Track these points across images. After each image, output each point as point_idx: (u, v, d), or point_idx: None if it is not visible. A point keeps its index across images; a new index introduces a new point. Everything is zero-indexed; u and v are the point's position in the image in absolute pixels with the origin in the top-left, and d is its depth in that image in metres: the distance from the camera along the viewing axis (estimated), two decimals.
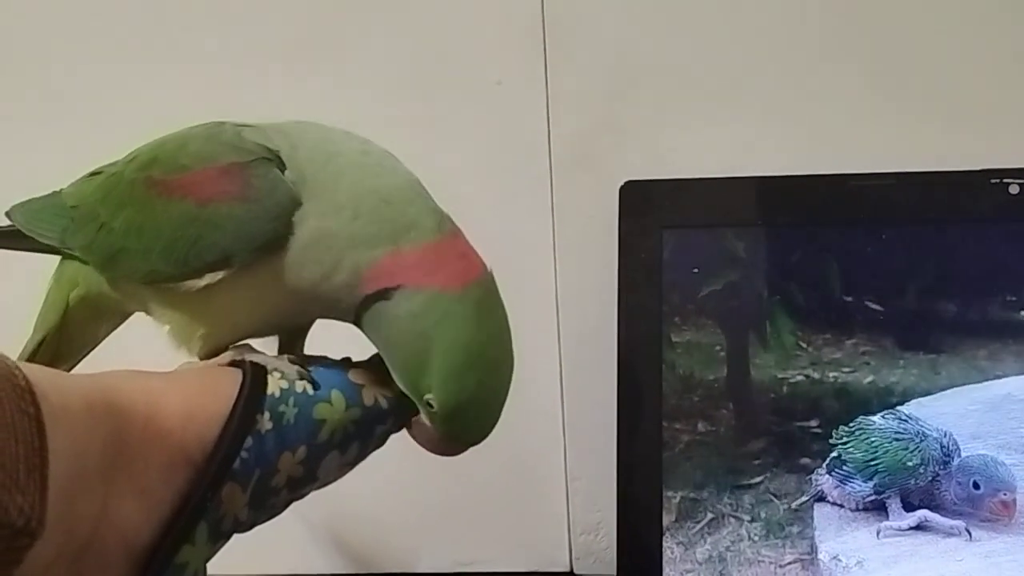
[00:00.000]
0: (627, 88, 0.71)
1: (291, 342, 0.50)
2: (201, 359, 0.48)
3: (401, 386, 0.46)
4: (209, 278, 0.45)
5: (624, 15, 0.70)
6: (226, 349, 0.48)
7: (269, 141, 0.46)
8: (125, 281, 0.49)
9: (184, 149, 0.47)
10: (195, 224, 0.45)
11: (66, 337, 0.52)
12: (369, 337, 0.46)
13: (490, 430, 0.46)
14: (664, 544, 0.63)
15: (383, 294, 0.44)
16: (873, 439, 0.62)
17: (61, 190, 0.52)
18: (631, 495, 0.64)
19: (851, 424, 0.62)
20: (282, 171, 0.45)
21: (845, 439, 0.62)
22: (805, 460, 0.63)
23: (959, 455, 0.61)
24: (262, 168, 0.45)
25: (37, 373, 0.37)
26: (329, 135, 0.47)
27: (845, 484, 0.62)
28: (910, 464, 0.61)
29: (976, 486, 0.60)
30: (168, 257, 0.46)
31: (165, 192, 0.46)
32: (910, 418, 0.62)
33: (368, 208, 0.45)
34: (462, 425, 0.46)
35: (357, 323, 0.46)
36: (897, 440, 0.62)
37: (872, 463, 0.62)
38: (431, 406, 0.45)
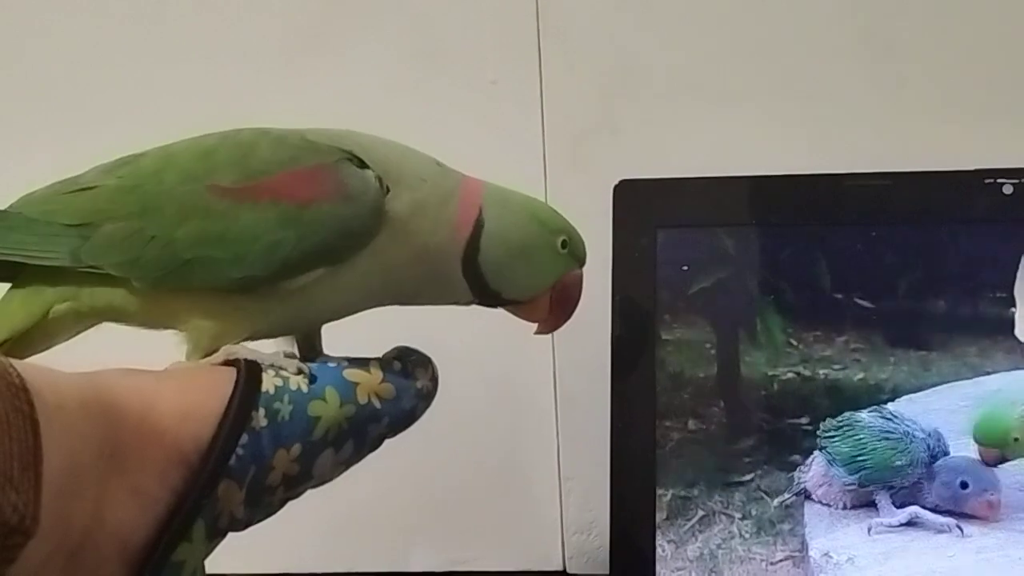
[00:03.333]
0: (621, 88, 0.71)
1: (309, 341, 0.51)
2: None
3: (538, 271, 0.51)
4: (306, 277, 0.47)
5: (618, 15, 0.71)
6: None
7: (340, 143, 0.48)
8: (186, 289, 0.47)
9: (254, 154, 0.47)
10: (296, 224, 0.46)
11: (26, 341, 0.50)
12: (489, 273, 0.49)
13: None
14: (656, 542, 0.63)
15: (478, 225, 0.49)
16: (861, 436, 0.62)
17: (14, 210, 0.49)
18: (624, 494, 0.64)
19: (839, 419, 0.63)
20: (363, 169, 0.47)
21: (831, 433, 0.62)
22: (795, 457, 0.63)
23: (944, 456, 0.61)
24: (350, 168, 0.47)
25: (31, 371, 0.37)
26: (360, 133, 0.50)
27: (830, 468, 0.62)
28: (897, 464, 0.61)
29: (964, 485, 0.61)
30: (268, 260, 0.46)
31: (249, 197, 0.46)
32: (896, 417, 0.62)
33: (430, 172, 0.49)
34: (578, 237, 0.52)
35: (469, 271, 0.49)
36: (886, 439, 0.62)
37: (859, 459, 0.62)
38: (565, 246, 0.51)
